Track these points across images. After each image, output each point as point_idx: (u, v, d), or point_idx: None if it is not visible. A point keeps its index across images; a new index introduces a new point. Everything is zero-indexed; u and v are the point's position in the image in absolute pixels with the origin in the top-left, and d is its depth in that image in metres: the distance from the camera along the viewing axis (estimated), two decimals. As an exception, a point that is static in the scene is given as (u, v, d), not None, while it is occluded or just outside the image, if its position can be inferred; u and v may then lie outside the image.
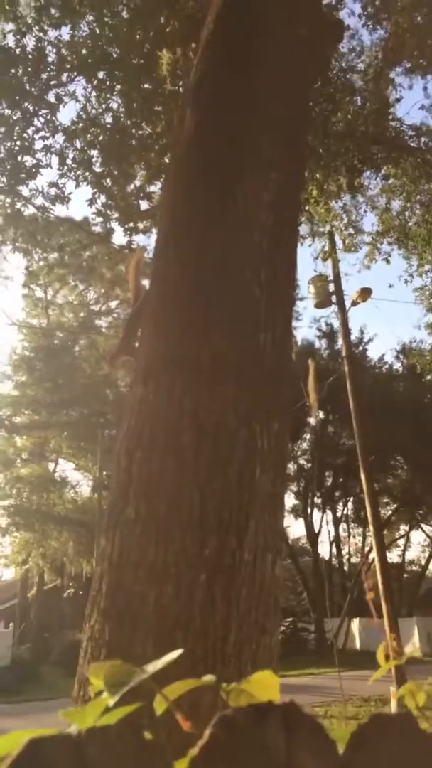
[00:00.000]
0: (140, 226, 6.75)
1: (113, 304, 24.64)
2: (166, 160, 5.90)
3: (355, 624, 25.79)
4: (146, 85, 6.38)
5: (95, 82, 6.47)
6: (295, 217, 3.48)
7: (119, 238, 17.50)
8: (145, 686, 0.63)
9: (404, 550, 33.86)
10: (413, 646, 22.26)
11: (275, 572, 2.50)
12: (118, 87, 6.47)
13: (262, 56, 3.39)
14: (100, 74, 6.47)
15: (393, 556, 31.50)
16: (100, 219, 6.49)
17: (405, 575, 32.78)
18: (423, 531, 32.99)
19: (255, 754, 0.47)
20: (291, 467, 26.95)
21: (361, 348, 27.38)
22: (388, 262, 8.17)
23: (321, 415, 21.91)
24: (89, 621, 2.25)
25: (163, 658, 0.60)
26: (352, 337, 16.16)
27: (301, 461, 27.51)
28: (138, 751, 0.44)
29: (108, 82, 6.46)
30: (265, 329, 2.79)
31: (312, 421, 17.83)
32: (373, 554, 11.99)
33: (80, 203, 17.57)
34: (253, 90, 3.29)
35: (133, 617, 2.14)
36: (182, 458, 2.43)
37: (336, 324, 19.54)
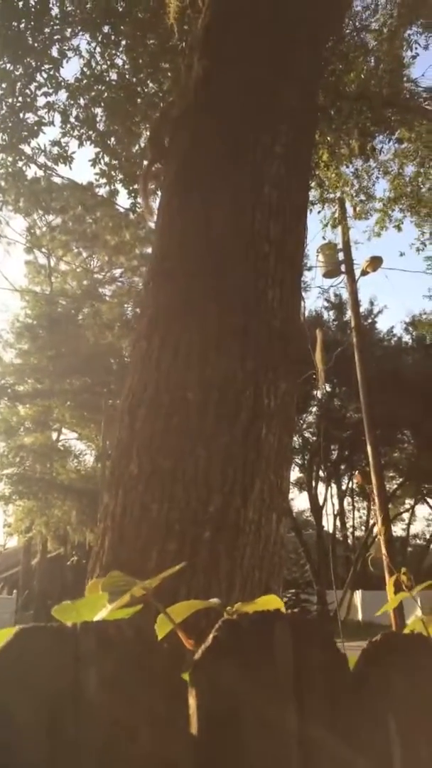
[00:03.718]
0: (146, 188, 6.60)
1: (117, 272, 24.47)
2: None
3: (358, 596, 26.09)
4: (152, 41, 6.18)
5: (100, 37, 6.26)
6: (306, 171, 3.36)
7: (123, 200, 17.28)
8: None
9: (409, 524, 34.10)
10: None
11: (280, 532, 2.45)
12: (124, 42, 6.27)
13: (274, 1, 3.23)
14: (105, 29, 6.26)
15: (397, 530, 31.72)
16: (104, 180, 6.34)
17: (409, 549, 33.03)
18: (428, 505, 33.17)
19: (261, 661, 0.44)
20: (296, 440, 26.99)
21: (370, 320, 27.14)
22: (399, 229, 8.00)
23: (327, 387, 21.85)
24: (91, 576, 2.22)
25: (162, 573, 0.54)
26: (362, 309, 15.98)
27: (307, 434, 27.51)
28: (136, 647, 0.40)
29: (113, 37, 6.26)
30: (274, 286, 2.70)
31: (318, 393, 17.78)
32: (378, 527, 12.02)
33: (84, 168, 17.34)
34: (264, 36, 3.14)
35: (136, 572, 2.09)
36: (187, 415, 2.37)
37: (345, 295, 19.35)
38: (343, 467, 29.56)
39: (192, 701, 0.44)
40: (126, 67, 6.35)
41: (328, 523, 32.23)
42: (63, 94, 6.04)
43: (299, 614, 0.51)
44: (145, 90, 6.35)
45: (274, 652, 0.46)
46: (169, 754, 0.42)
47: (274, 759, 0.45)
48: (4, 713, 0.37)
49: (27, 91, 5.86)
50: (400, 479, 30.28)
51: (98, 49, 6.30)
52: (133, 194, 6.58)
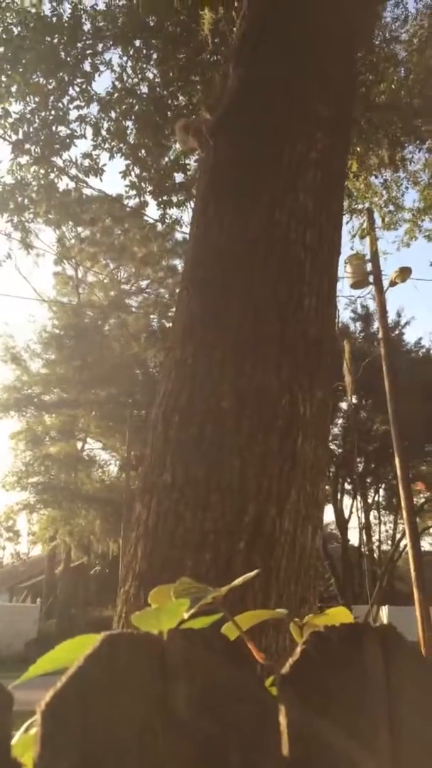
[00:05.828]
0: (174, 199, 6.64)
1: (144, 283, 24.65)
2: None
3: (384, 611, 25.65)
4: (183, 55, 6.23)
5: (131, 51, 6.34)
6: (341, 179, 3.33)
7: (152, 212, 17.41)
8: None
9: (437, 538, 33.45)
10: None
11: (316, 543, 2.40)
12: (155, 56, 6.34)
13: (310, 7, 3.22)
14: (137, 43, 6.34)
15: (425, 545, 31.16)
16: (134, 192, 6.39)
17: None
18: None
19: (352, 674, 0.42)
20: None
21: (397, 331, 26.86)
22: (429, 239, 7.92)
23: (354, 399, 21.67)
24: (124, 585, 2.19)
25: (238, 579, 0.51)
26: (389, 320, 15.82)
27: (332, 446, 27.24)
28: (225, 657, 0.38)
29: (144, 51, 6.33)
30: (310, 294, 2.66)
31: (344, 405, 17.64)
32: (405, 541, 11.83)
33: (113, 181, 17.58)
34: (299, 45, 3.13)
35: (171, 582, 2.06)
36: (222, 424, 2.34)
37: (372, 306, 19.21)
38: (369, 480, 29.19)
39: (282, 719, 0.40)
40: (157, 80, 6.41)
41: (361, 537, 31.71)
42: (95, 108, 6.13)
43: (389, 627, 0.48)
44: (176, 103, 6.40)
45: (366, 666, 0.44)
46: (261, 776, 0.39)
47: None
48: (93, 725, 0.34)
49: (60, 104, 5.95)
50: (428, 493, 29.78)
51: (130, 63, 6.38)
52: (162, 206, 6.62)
